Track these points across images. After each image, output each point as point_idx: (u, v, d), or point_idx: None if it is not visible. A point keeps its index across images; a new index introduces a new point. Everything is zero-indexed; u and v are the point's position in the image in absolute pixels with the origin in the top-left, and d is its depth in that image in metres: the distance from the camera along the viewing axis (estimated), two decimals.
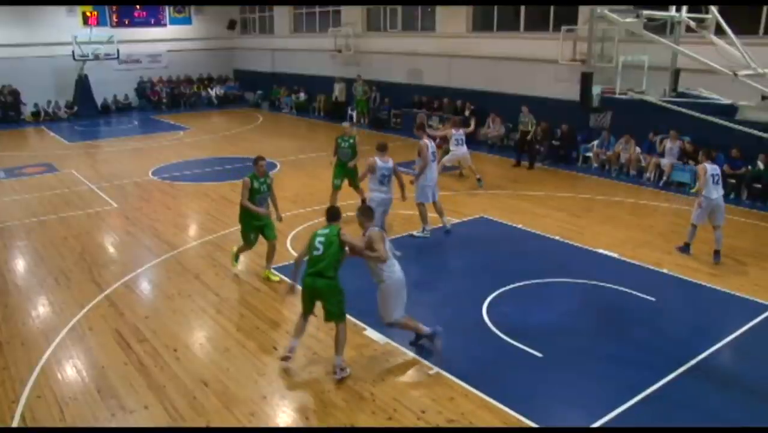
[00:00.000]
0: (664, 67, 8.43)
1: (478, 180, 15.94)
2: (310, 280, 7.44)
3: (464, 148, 15.84)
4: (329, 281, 7.40)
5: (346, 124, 13.85)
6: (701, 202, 10.79)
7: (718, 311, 9.32)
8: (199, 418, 6.78)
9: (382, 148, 11.26)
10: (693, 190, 10.98)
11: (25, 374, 7.68)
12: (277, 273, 10.34)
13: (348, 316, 8.57)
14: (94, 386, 7.40)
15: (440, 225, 12.49)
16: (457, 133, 15.73)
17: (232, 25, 35.78)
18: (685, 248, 11.32)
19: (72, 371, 7.78)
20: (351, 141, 13.31)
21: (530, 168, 18.07)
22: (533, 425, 6.57)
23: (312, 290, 7.47)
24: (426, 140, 12.21)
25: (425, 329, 8.02)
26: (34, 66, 29.53)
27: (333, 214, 7.75)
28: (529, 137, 18.29)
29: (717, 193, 10.75)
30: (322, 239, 7.42)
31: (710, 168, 10.82)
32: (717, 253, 10.91)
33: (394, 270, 7.66)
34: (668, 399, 7.01)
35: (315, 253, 7.40)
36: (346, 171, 13.29)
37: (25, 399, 7.15)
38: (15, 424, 6.72)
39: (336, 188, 13.34)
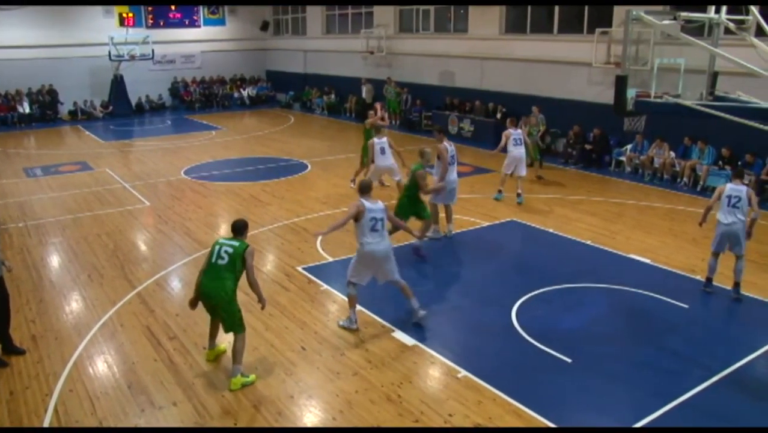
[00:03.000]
0: (701, 70, 8.27)
1: (518, 195, 14.62)
2: None
3: (522, 150, 14.65)
4: None
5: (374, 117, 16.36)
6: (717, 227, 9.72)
7: (754, 320, 9.11)
8: (226, 416, 6.82)
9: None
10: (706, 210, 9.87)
11: (58, 367, 7.80)
12: None
13: (377, 318, 8.61)
14: (124, 382, 7.49)
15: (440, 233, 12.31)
16: (516, 132, 14.69)
17: (265, 26, 36.08)
18: (707, 284, 9.86)
19: (103, 366, 7.89)
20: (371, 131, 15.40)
21: (540, 166, 17.85)
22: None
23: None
24: (445, 143, 12.15)
25: (352, 316, 8.59)
26: (71, 66, 30.16)
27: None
28: (546, 141, 18.64)
29: (732, 217, 9.34)
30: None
31: (729, 188, 9.46)
32: (737, 286, 9.57)
33: (364, 244, 8.28)
34: (699, 409, 6.87)
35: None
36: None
37: (58, 393, 7.27)
38: (48, 417, 6.83)
39: (365, 165, 15.25)
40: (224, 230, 13.05)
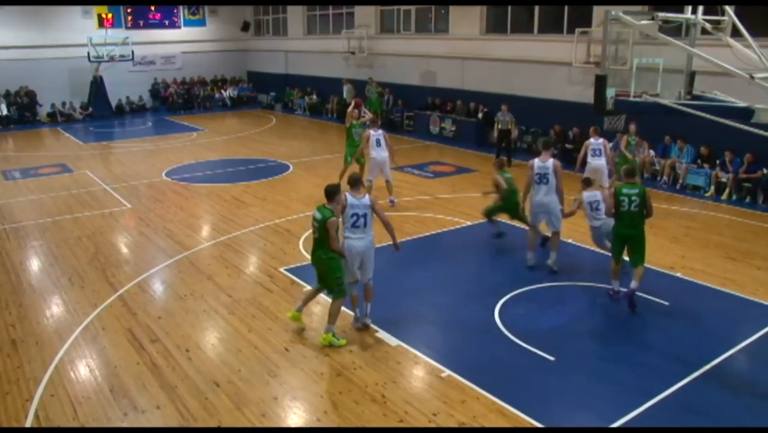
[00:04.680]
0: (679, 70, 8.35)
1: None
2: None
3: (603, 161, 13.83)
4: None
5: (353, 110, 15.84)
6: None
7: (733, 315, 9.22)
8: (210, 418, 6.79)
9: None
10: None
11: (39, 372, 7.73)
12: None
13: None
14: (106, 386, 7.43)
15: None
16: (596, 142, 13.87)
17: (245, 26, 35.94)
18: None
19: (85, 370, 7.83)
20: (357, 124, 15.44)
21: (509, 165, 17.92)
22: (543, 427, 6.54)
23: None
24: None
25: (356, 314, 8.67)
26: (49, 67, 29.83)
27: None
28: (513, 137, 18.74)
29: (597, 221, 10.27)
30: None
31: (587, 196, 10.29)
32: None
33: (345, 238, 8.33)
34: (681, 404, 6.95)
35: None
36: (354, 150, 15.23)
37: (39, 398, 7.20)
38: (29, 422, 6.77)
39: (348, 164, 15.30)
40: (207, 232, 13.00)
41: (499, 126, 18.46)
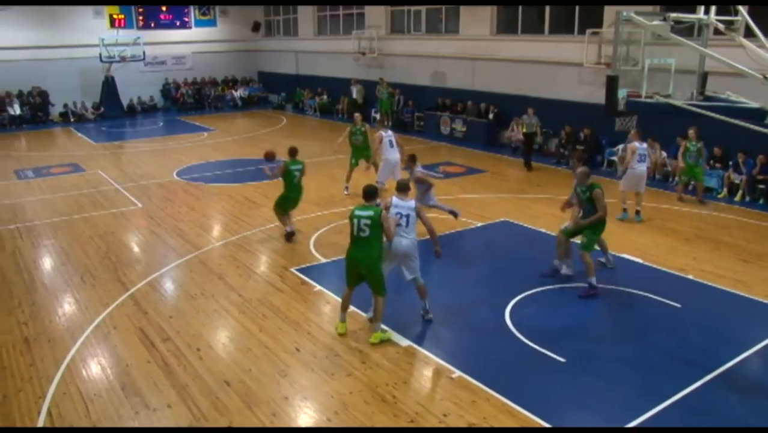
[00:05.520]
0: (691, 71, 8.33)
1: (637, 213, 13.34)
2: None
3: (646, 167, 13.32)
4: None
5: (357, 115, 15.97)
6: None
7: (745, 319, 9.16)
8: (221, 418, 6.82)
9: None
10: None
11: (51, 370, 7.78)
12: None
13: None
14: (118, 384, 7.47)
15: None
16: (641, 147, 13.21)
17: (256, 27, 36.03)
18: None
19: (97, 368, 7.87)
20: (363, 129, 15.43)
21: (528, 168, 18.12)
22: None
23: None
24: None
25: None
26: (61, 68, 30.03)
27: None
28: (538, 139, 18.29)
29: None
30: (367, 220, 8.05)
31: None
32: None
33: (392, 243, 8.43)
34: (692, 407, 6.91)
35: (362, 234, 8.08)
36: (359, 154, 15.50)
37: (52, 395, 7.25)
38: (42, 419, 6.81)
39: (353, 166, 15.60)
40: (217, 232, 13.04)
41: (525, 129, 18.39)
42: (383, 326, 8.40)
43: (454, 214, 12.38)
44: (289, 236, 12.16)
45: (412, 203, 8.60)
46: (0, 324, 9.08)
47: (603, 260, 10.69)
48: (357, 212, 8.14)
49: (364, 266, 8.21)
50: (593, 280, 9.68)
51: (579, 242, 9.92)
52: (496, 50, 22.17)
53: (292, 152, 12.37)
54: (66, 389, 7.40)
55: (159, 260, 11.52)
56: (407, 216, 8.48)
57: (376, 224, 8.02)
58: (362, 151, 15.47)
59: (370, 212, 8.08)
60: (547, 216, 13.58)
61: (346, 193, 15.37)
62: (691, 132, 14.46)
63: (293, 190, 12.19)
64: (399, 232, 8.43)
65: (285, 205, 12.26)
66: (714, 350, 8.11)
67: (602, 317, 9.27)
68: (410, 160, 11.99)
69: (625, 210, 13.38)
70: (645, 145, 13.34)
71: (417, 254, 8.63)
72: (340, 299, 8.89)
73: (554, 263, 10.32)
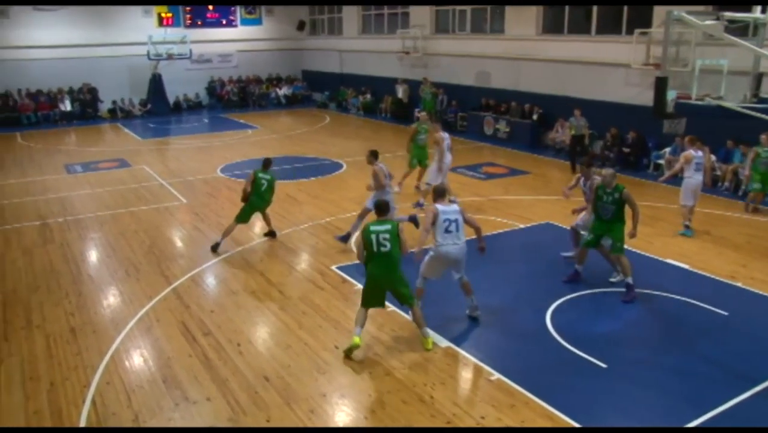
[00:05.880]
0: (744, 72, 8.11)
1: (686, 228, 12.49)
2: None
3: (701, 177, 12.39)
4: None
5: (423, 114, 16.32)
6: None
7: None
8: (259, 412, 6.86)
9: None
10: None
11: (96, 360, 7.94)
12: None
13: (410, 319, 8.59)
14: (159, 376, 7.59)
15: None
16: (698, 155, 12.24)
17: (301, 26, 36.28)
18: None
19: (139, 360, 8.01)
20: (425, 127, 15.37)
21: (574, 171, 17.56)
22: None
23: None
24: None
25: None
26: (110, 65, 30.71)
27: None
28: (586, 142, 17.91)
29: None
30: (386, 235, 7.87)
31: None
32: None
33: (439, 245, 8.38)
34: (737, 419, 6.71)
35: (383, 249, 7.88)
36: (422, 155, 15.33)
37: (96, 385, 7.40)
38: (86, 408, 6.95)
39: (413, 167, 15.50)
40: (259, 228, 13.13)
41: (573, 131, 18.01)
42: (429, 331, 8.27)
43: (414, 221, 11.63)
44: (215, 247, 11.79)
45: (456, 207, 8.58)
46: (48, 314, 9.31)
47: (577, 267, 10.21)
48: (374, 228, 7.90)
49: (389, 283, 8.02)
50: (630, 279, 9.52)
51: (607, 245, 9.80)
52: (541, 50, 21.92)
53: (265, 163, 12.16)
54: (110, 378, 7.54)
55: (202, 255, 11.67)
56: (455, 221, 8.42)
57: (395, 237, 7.87)
58: (425, 151, 15.35)
59: (388, 226, 7.93)
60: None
61: (397, 190, 15.20)
62: (763, 137, 13.86)
63: (257, 198, 11.86)
64: (449, 239, 8.36)
65: (243, 213, 11.95)
66: (762, 361, 7.86)
67: (645, 322, 9.08)
68: (371, 155, 11.80)
69: (687, 226, 12.45)
70: (701, 153, 12.47)
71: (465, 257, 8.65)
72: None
73: (576, 268, 10.20)
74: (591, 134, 19.19)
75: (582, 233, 10.43)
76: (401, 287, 8.07)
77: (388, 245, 7.84)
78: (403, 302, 8.18)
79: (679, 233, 12.46)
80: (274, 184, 12.11)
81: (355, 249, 8.78)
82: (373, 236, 7.84)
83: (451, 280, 8.70)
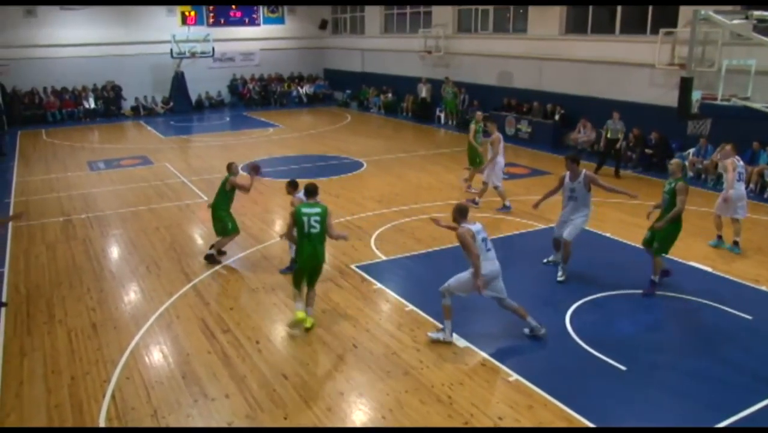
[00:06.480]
0: None
1: (735, 244, 11.59)
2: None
3: (744, 187, 11.53)
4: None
5: (479, 114, 16.30)
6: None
7: None
8: (277, 410, 6.88)
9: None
10: None
11: (116, 355, 8.01)
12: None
13: (430, 318, 8.59)
14: (179, 372, 7.63)
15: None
16: (740, 163, 11.44)
17: (323, 25, 36.36)
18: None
19: (159, 356, 8.06)
20: (481, 125, 15.52)
21: (617, 176, 17.34)
22: None
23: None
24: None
25: (447, 326, 8.27)
26: (134, 63, 31.05)
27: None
28: (618, 145, 17.59)
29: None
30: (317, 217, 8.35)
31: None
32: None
33: (485, 265, 7.89)
34: (760, 424, 6.60)
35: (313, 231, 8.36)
36: (478, 154, 15.39)
37: (116, 380, 7.46)
38: (106, 402, 7.02)
39: (477, 166, 15.46)
40: (279, 226, 13.17)
41: (608, 135, 17.57)
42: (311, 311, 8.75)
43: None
44: (210, 257, 11.21)
45: (479, 224, 8.13)
46: (70, 309, 9.40)
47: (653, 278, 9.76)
48: (305, 210, 8.35)
49: (317, 260, 8.47)
50: (656, 278, 9.51)
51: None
52: (564, 50, 21.76)
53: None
54: (129, 374, 7.60)
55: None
56: (487, 235, 8.12)
57: (324, 220, 8.35)
58: (478, 151, 15.37)
59: (318, 209, 8.38)
60: (612, 220, 13.26)
61: (472, 191, 15.11)
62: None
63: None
64: (489, 256, 8.00)
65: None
66: None
67: (667, 325, 8.97)
68: (290, 186, 10.34)
69: (719, 237, 11.84)
70: (743, 163, 11.61)
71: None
72: (399, 298, 8.86)
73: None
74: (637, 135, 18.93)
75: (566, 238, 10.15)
76: (321, 269, 8.70)
77: (318, 226, 8.32)
78: (313, 283, 8.71)
79: (710, 243, 11.79)
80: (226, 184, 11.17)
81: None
82: (305, 218, 8.30)
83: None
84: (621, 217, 13.58)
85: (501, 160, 14.07)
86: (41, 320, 9.06)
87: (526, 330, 8.43)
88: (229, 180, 11.11)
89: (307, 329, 8.60)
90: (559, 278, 10.19)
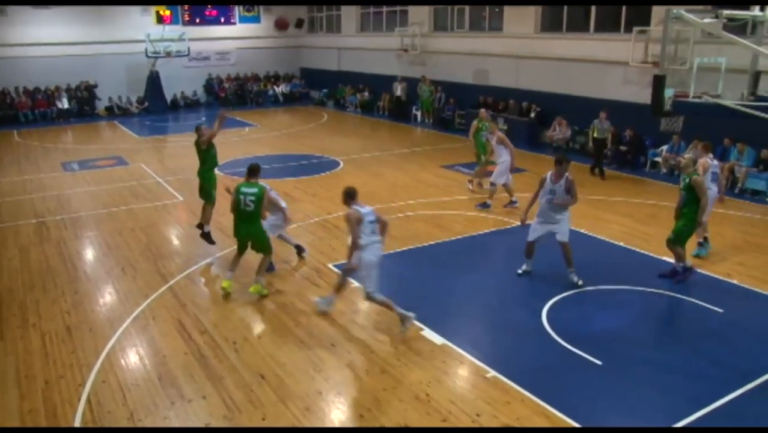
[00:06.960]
0: (742, 70, 8.10)
1: (704, 240, 11.34)
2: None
3: (716, 188, 11.17)
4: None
5: (483, 111, 16.35)
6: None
7: None
8: (255, 410, 6.85)
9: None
10: None
11: (91, 358, 7.92)
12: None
13: (406, 314, 8.57)
14: (155, 374, 7.57)
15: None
16: (714, 163, 11.24)
17: (299, 23, 36.16)
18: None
19: (135, 358, 7.99)
20: (486, 124, 15.51)
21: (602, 177, 17.10)
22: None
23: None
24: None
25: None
26: (108, 63, 30.72)
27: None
28: (608, 145, 17.61)
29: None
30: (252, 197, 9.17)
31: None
32: None
33: (365, 251, 8.35)
34: (734, 416, 6.71)
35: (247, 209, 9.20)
36: (484, 151, 15.47)
37: (91, 383, 7.38)
38: (81, 406, 6.93)
39: (483, 164, 15.57)
40: None
41: (595, 134, 17.31)
42: (263, 281, 9.62)
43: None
44: (207, 236, 11.73)
45: (371, 208, 8.87)
46: (44, 312, 9.28)
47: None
48: (244, 189, 9.19)
49: (248, 235, 9.48)
50: (689, 262, 9.87)
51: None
52: (539, 48, 21.90)
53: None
54: (105, 377, 7.53)
55: (198, 253, 11.65)
56: (375, 222, 8.74)
57: (259, 200, 9.15)
58: (485, 148, 15.30)
59: (255, 189, 9.19)
60: (588, 217, 13.36)
61: (492, 189, 14.72)
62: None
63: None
64: (373, 240, 8.54)
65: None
66: (759, 357, 7.87)
67: (641, 320, 9.06)
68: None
69: (703, 242, 11.34)
70: (717, 162, 11.48)
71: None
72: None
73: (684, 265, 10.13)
74: (585, 132, 19.11)
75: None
76: (261, 241, 9.58)
77: (252, 205, 9.15)
78: (259, 250, 9.65)
79: (692, 253, 10.99)
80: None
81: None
82: (241, 197, 9.17)
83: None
84: (597, 213, 13.71)
85: (509, 158, 14.08)
86: (14, 324, 8.93)
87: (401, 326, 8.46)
88: (200, 140, 12.05)
89: (227, 294, 9.56)
90: (579, 282, 9.85)
